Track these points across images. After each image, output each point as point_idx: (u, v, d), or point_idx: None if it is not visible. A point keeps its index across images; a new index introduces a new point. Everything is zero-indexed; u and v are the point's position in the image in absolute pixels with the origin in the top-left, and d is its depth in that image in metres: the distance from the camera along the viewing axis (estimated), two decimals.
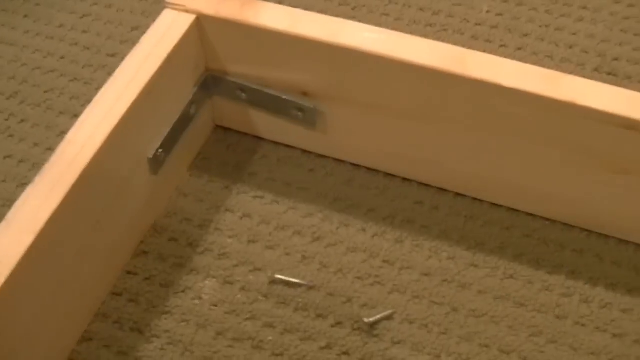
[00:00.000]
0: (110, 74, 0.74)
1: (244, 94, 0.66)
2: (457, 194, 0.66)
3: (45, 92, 0.76)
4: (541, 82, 0.56)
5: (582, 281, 0.61)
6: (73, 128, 0.55)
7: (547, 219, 0.64)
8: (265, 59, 0.62)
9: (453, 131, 0.61)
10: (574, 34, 0.79)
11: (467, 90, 0.57)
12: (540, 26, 0.79)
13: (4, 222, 0.50)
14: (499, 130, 0.59)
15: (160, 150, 0.61)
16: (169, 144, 0.62)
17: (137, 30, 0.81)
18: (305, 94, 0.63)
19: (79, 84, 0.76)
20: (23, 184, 0.68)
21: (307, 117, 0.64)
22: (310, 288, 0.60)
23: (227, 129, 0.71)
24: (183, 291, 0.61)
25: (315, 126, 0.65)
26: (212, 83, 0.66)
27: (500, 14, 0.81)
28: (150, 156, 0.60)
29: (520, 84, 0.55)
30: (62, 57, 0.79)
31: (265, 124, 0.68)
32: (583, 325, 0.59)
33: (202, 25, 0.62)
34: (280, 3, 0.81)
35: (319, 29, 0.59)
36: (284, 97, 0.64)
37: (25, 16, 0.84)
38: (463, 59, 0.57)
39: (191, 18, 0.62)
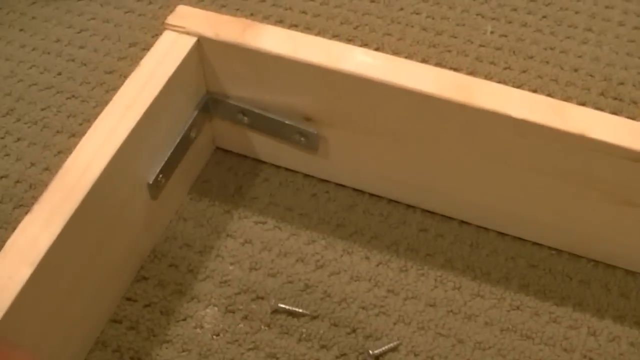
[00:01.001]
0: (108, 91, 0.74)
1: (245, 118, 0.65)
2: (462, 222, 0.65)
3: (42, 109, 0.74)
4: (549, 112, 0.55)
5: (590, 313, 0.60)
6: (73, 153, 0.54)
7: (554, 249, 0.63)
8: (266, 82, 0.61)
9: (457, 159, 0.60)
10: (579, 56, 0.78)
11: (473, 119, 0.56)
12: (545, 48, 0.79)
13: (2, 252, 0.49)
14: (505, 159, 0.58)
15: (161, 176, 0.60)
16: (168, 168, 0.61)
17: (134, 47, 0.80)
18: (307, 118, 0.62)
19: (76, 101, 0.75)
20: (20, 205, 0.67)
21: (309, 142, 0.63)
22: (314, 318, 0.59)
23: (227, 151, 0.70)
24: (184, 319, 0.59)
25: (317, 151, 0.64)
26: (212, 106, 0.65)
27: (504, 35, 0.80)
28: (151, 182, 0.59)
29: (528, 114, 0.54)
30: (59, 74, 0.78)
31: (266, 147, 0.67)
32: (591, 359, 0.58)
33: (203, 48, 0.61)
34: (281, 21, 0.80)
35: (321, 54, 0.58)
36: (286, 121, 0.63)
37: (21, 30, 0.82)
38: (469, 88, 0.56)
39: (192, 40, 0.60)
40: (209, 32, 0.60)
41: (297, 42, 0.59)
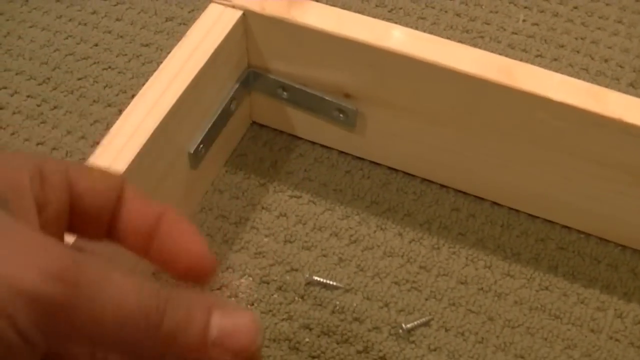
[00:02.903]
0: (144, 64, 0.75)
1: (284, 92, 0.66)
2: (494, 203, 0.66)
3: (79, 79, 0.75)
4: (588, 97, 0.56)
5: (617, 296, 0.61)
6: (118, 120, 0.55)
7: (583, 232, 0.64)
8: (308, 58, 0.62)
9: (493, 140, 0.61)
10: (610, 47, 0.79)
11: (513, 101, 0.57)
12: (576, 38, 0.80)
13: None
14: (540, 142, 0.59)
15: (202, 146, 0.61)
16: (209, 139, 0.62)
17: (171, 21, 0.81)
18: (347, 95, 0.63)
19: (113, 72, 0.76)
20: None
21: (347, 118, 0.64)
22: (347, 291, 0.61)
23: (263, 126, 0.71)
24: (219, 288, 0.61)
25: (354, 128, 0.65)
26: (252, 80, 0.66)
27: (536, 24, 0.81)
28: (192, 151, 0.60)
29: (568, 98, 0.55)
30: (96, 45, 0.79)
31: (303, 123, 0.68)
32: (617, 340, 0.59)
33: (248, 22, 0.62)
34: (318, 0, 0.81)
35: (365, 31, 0.59)
36: (326, 97, 0.64)
37: (58, 1, 0.83)
38: (509, 70, 0.57)
39: (237, 14, 0.61)
40: (255, 6, 0.61)
41: (342, 19, 0.60)
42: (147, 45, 0.78)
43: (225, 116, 0.64)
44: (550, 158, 0.60)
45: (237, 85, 0.64)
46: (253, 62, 0.65)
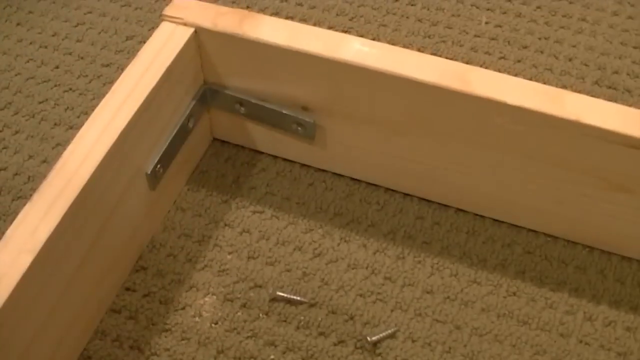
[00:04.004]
0: (105, 84, 0.74)
1: (242, 108, 0.65)
2: (459, 210, 0.65)
3: (40, 102, 0.75)
4: (545, 99, 0.55)
5: (586, 299, 0.60)
6: (71, 143, 0.54)
7: (550, 236, 0.64)
8: (264, 72, 0.62)
9: (454, 147, 0.60)
10: (574, 46, 0.78)
11: (470, 107, 0.56)
12: (540, 38, 0.79)
13: (2, 240, 0.49)
14: (500, 147, 0.58)
15: (159, 166, 0.60)
16: (166, 158, 0.61)
17: (131, 40, 0.80)
18: (304, 108, 0.63)
19: (74, 94, 0.75)
20: (19, 197, 0.67)
21: (306, 131, 0.64)
22: (312, 305, 0.60)
23: (224, 142, 0.70)
24: (183, 308, 0.60)
25: (314, 140, 0.65)
26: (210, 96, 0.65)
27: (499, 26, 0.80)
28: (149, 172, 0.59)
29: (524, 101, 0.55)
30: (57, 67, 0.78)
31: (264, 138, 0.67)
32: (587, 343, 0.58)
33: (200, 39, 0.61)
34: (277, 13, 0.81)
35: (318, 44, 0.59)
36: (283, 111, 0.63)
37: (18, 24, 0.83)
38: (465, 76, 0.56)
39: (189, 31, 0.61)
40: (206, 23, 0.60)
41: (295, 32, 0.59)
42: (107, 65, 0.78)
43: (182, 134, 0.63)
44: (512, 162, 0.59)
45: (193, 103, 0.64)
46: (209, 79, 0.64)
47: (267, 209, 0.66)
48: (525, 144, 0.57)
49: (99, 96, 0.74)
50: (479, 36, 0.79)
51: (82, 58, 0.79)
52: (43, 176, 0.66)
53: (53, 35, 0.81)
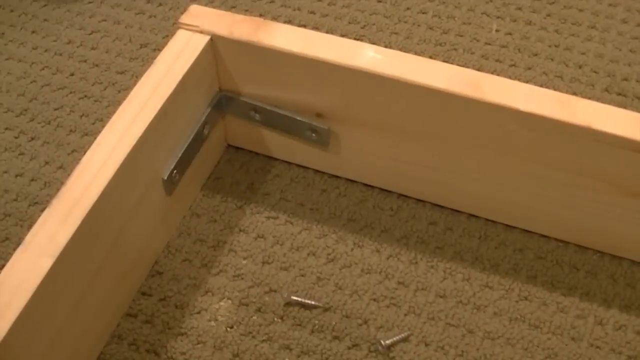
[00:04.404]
0: (120, 91, 0.75)
1: (257, 115, 0.66)
2: (471, 215, 0.66)
3: (55, 109, 0.76)
4: (557, 106, 0.56)
5: (597, 303, 0.61)
6: (89, 150, 0.55)
7: (561, 241, 0.64)
8: (278, 80, 0.63)
9: (467, 153, 0.61)
10: (583, 53, 0.79)
11: (482, 113, 0.57)
12: (550, 46, 0.80)
13: (22, 246, 0.50)
14: (513, 153, 0.59)
15: (175, 171, 0.61)
16: (182, 164, 0.62)
17: (146, 47, 0.81)
18: (319, 115, 0.63)
19: (89, 101, 0.76)
20: (35, 203, 0.68)
21: (320, 138, 0.65)
22: (326, 310, 0.61)
23: (239, 148, 0.71)
24: (198, 312, 0.61)
25: (328, 147, 0.66)
26: (225, 103, 0.66)
27: (509, 33, 0.81)
28: (165, 177, 0.60)
29: (536, 108, 0.56)
30: (72, 74, 0.79)
31: (278, 144, 0.68)
32: (598, 347, 0.59)
33: (216, 46, 0.62)
34: (289, 21, 0.81)
35: (332, 51, 0.59)
36: (298, 118, 0.64)
37: (34, 32, 0.84)
38: (478, 83, 0.57)
39: (205, 39, 0.62)
40: (222, 31, 0.61)
41: (309, 39, 0.60)
42: (122, 72, 0.79)
43: (198, 141, 0.64)
44: (524, 168, 0.60)
45: (209, 110, 0.64)
46: (224, 86, 0.65)
47: (281, 215, 0.66)
48: (537, 150, 0.58)
49: (113, 103, 0.75)
50: (489, 44, 0.80)
51: (96, 65, 0.80)
52: (59, 182, 0.67)
53: (68, 43, 0.82)
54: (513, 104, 0.56)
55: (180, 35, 0.62)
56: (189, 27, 0.62)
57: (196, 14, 0.63)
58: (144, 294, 0.62)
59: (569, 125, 0.55)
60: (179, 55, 0.61)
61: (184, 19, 0.62)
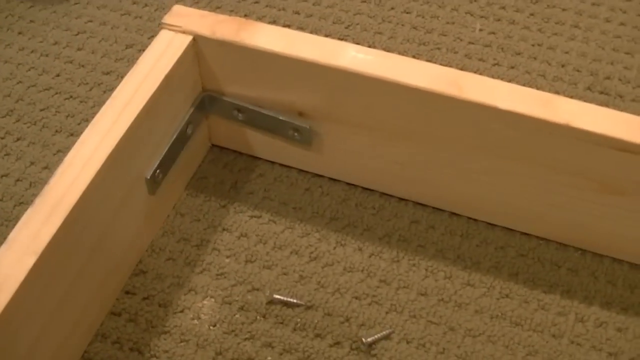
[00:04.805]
0: (105, 92, 0.75)
1: (240, 114, 0.66)
2: (453, 214, 0.66)
3: (41, 110, 0.76)
4: (536, 104, 0.56)
5: (577, 300, 0.61)
6: (72, 149, 0.55)
7: (542, 238, 0.65)
8: (261, 79, 0.63)
9: (448, 152, 0.61)
10: (566, 52, 0.79)
11: (463, 112, 0.57)
12: (533, 45, 0.80)
13: (5, 244, 0.50)
14: (493, 151, 0.59)
15: (158, 171, 0.61)
16: (166, 164, 0.63)
17: (131, 48, 0.81)
18: (301, 114, 0.64)
19: (75, 102, 0.76)
20: (20, 203, 0.68)
21: (303, 137, 0.65)
22: (308, 308, 0.61)
23: (223, 148, 0.71)
24: (182, 311, 0.61)
25: (311, 146, 0.66)
26: (208, 103, 0.66)
27: (492, 33, 0.82)
28: (148, 177, 0.60)
29: (516, 106, 0.56)
30: (58, 75, 0.79)
31: (261, 143, 0.68)
32: (579, 344, 0.59)
33: (199, 46, 0.63)
34: (274, 22, 0.82)
35: (314, 50, 0.60)
36: (280, 117, 0.64)
37: (20, 33, 0.84)
38: (458, 81, 0.57)
39: (188, 39, 0.62)
40: (204, 31, 0.61)
41: (291, 39, 0.61)
42: (108, 73, 0.79)
43: (181, 140, 0.64)
44: (505, 166, 0.60)
45: (192, 110, 0.65)
46: (207, 86, 0.66)
47: (264, 214, 0.67)
48: (518, 149, 0.58)
49: (99, 103, 0.75)
50: (473, 43, 0.81)
51: (82, 66, 0.80)
52: (45, 182, 0.67)
53: (54, 44, 0.82)
54: (493, 102, 0.56)
55: (163, 35, 0.62)
56: (172, 27, 0.63)
57: (179, 14, 0.63)
58: (127, 292, 0.62)
59: (549, 123, 0.56)
60: (161, 55, 0.61)
61: (167, 19, 0.63)
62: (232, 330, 0.60)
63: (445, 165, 0.62)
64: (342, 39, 0.80)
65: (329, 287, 0.62)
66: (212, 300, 0.62)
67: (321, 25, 0.82)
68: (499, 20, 0.83)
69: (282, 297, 0.61)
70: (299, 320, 0.60)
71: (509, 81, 0.73)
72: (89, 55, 0.81)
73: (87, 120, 0.74)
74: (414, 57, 0.76)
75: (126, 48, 0.82)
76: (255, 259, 0.64)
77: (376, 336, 0.59)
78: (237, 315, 0.61)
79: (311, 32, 0.81)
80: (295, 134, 0.65)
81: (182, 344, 0.59)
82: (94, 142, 0.56)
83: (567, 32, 0.82)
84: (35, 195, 0.68)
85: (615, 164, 0.56)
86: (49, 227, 0.51)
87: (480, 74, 0.73)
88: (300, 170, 0.69)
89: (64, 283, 0.53)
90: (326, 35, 0.80)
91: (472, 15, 0.84)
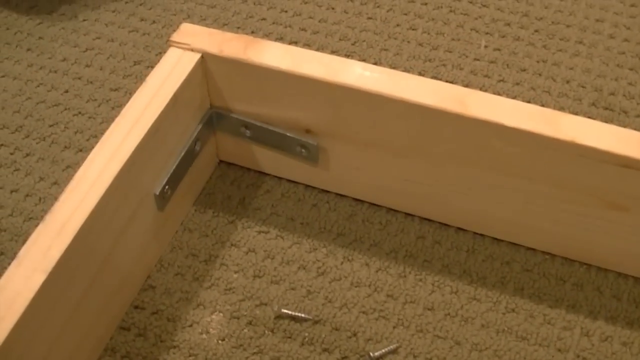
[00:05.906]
0: (114, 108, 0.76)
1: (247, 131, 0.67)
2: (459, 229, 0.67)
3: (50, 126, 0.77)
4: (541, 121, 0.57)
5: (583, 315, 0.62)
6: (82, 166, 0.56)
7: (547, 254, 0.65)
8: (268, 96, 0.63)
9: (453, 168, 0.62)
10: (571, 68, 0.80)
11: (468, 129, 0.58)
12: (538, 61, 0.81)
13: (15, 260, 0.50)
14: (498, 168, 0.60)
15: (167, 187, 0.62)
16: (174, 180, 0.63)
17: (139, 65, 0.82)
18: (308, 131, 0.64)
19: (83, 118, 0.77)
20: (30, 218, 0.69)
21: (310, 153, 0.66)
22: (316, 322, 0.61)
23: (230, 164, 0.72)
24: (190, 325, 0.61)
25: (318, 162, 0.66)
26: (216, 120, 0.67)
27: (498, 49, 0.82)
28: (157, 193, 0.61)
29: (521, 123, 0.56)
30: (66, 91, 0.80)
31: (269, 160, 0.69)
32: (584, 358, 0.60)
33: (207, 64, 0.63)
34: (281, 38, 0.82)
35: (321, 68, 0.60)
36: (287, 134, 0.65)
37: (29, 49, 0.85)
38: (463, 98, 0.58)
39: (196, 57, 0.63)
40: (212, 49, 0.62)
41: (298, 57, 0.61)
42: (116, 89, 0.80)
43: (190, 157, 0.65)
44: (510, 183, 0.61)
45: (200, 126, 0.65)
46: (215, 103, 0.66)
47: (272, 229, 0.67)
48: (523, 165, 0.59)
49: (107, 120, 0.76)
50: (478, 60, 0.81)
51: (91, 82, 0.81)
52: (54, 198, 0.68)
53: (62, 60, 0.83)
54: (498, 119, 0.57)
55: (172, 53, 0.63)
56: (180, 45, 0.63)
57: (187, 32, 0.64)
58: (136, 307, 0.63)
59: (553, 140, 0.56)
60: (170, 73, 0.62)
61: (175, 37, 0.63)
62: (241, 345, 0.60)
63: (451, 181, 0.63)
64: (348, 56, 0.81)
65: (337, 301, 0.63)
66: (221, 315, 0.62)
67: (328, 42, 0.83)
68: (504, 36, 0.84)
69: (290, 312, 0.62)
70: (306, 334, 0.61)
71: (514, 97, 0.74)
72: (97, 71, 0.82)
73: (95, 136, 0.75)
74: (419, 73, 0.77)
75: (134, 65, 0.82)
76: (263, 274, 0.64)
77: (383, 350, 0.60)
78: (245, 330, 0.61)
79: (318, 49, 0.82)
80: (303, 150, 0.66)
81: (190, 358, 0.60)
82: (104, 158, 0.56)
83: (572, 49, 0.82)
84: (44, 211, 0.69)
85: (619, 180, 0.57)
86: (59, 244, 0.51)
87: (486, 90, 0.75)
88: (308, 186, 0.70)
89: (74, 298, 0.54)
90: (333, 52, 0.81)
91: (477, 31, 0.84)
